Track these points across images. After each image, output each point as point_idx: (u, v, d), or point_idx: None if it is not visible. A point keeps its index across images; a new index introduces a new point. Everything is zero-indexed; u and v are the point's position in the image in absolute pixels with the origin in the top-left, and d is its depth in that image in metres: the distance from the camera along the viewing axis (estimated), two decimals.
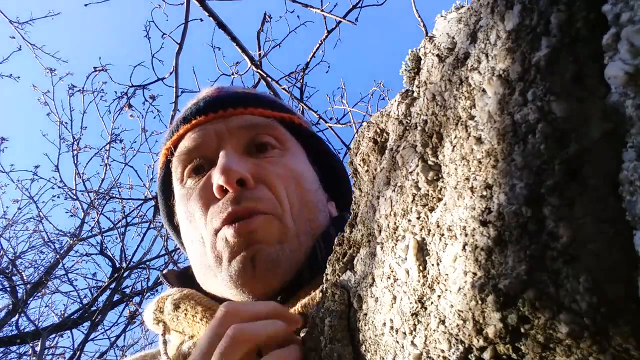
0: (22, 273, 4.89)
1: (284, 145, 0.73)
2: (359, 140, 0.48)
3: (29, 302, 4.61)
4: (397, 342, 0.35)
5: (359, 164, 0.47)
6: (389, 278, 0.38)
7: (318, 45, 2.82)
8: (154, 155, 4.69)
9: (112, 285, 4.39)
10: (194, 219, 0.68)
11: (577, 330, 0.25)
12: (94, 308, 4.39)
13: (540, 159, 0.28)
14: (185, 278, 0.75)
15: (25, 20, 4.33)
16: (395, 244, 0.38)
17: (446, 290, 0.32)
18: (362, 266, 0.43)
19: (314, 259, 0.63)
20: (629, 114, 0.25)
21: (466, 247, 0.30)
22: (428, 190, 0.36)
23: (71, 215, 5.26)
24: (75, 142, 5.04)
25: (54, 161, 4.91)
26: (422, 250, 0.35)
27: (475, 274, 0.29)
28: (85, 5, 2.87)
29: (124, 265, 4.49)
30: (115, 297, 4.52)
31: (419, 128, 0.38)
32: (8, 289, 4.54)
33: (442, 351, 0.31)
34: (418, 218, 0.36)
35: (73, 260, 5.02)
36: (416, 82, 0.41)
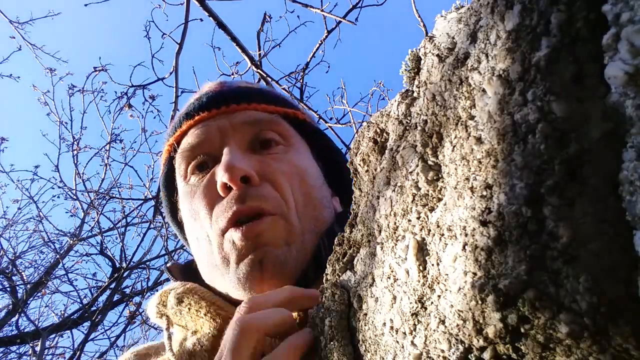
0: (22, 273, 4.89)
1: (288, 141, 0.72)
2: (359, 140, 0.48)
3: (29, 302, 4.61)
4: (397, 342, 0.35)
5: (359, 164, 0.47)
6: (389, 278, 0.38)
7: (318, 45, 2.82)
8: (154, 155, 4.70)
9: (112, 285, 4.40)
10: (198, 217, 0.68)
11: (577, 330, 0.25)
12: (94, 308, 4.39)
13: (540, 159, 0.28)
14: (188, 272, 0.75)
15: (25, 20, 4.33)
16: (395, 244, 0.38)
17: (446, 290, 0.32)
18: (362, 266, 0.43)
19: (319, 257, 0.63)
20: (629, 114, 0.25)
21: (466, 247, 0.30)
22: (428, 190, 0.36)
23: (71, 215, 5.27)
24: (75, 142, 5.04)
25: (54, 161, 4.92)
26: (422, 250, 0.35)
27: (475, 274, 0.29)
28: (85, 5, 2.87)
29: (124, 265, 4.49)
30: (115, 297, 4.52)
31: (419, 128, 0.38)
32: (8, 289, 4.54)
33: (442, 351, 0.31)
34: (418, 218, 0.36)
35: (73, 260, 5.03)
36: (416, 82, 0.41)
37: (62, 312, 4.87)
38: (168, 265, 0.79)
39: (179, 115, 0.78)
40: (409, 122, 0.41)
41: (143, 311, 4.36)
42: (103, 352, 4.45)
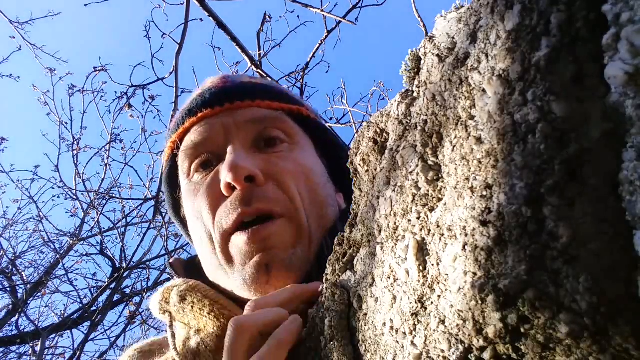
0: (22, 273, 4.89)
1: (292, 139, 0.72)
2: (359, 140, 0.48)
3: (29, 302, 4.61)
4: (397, 342, 0.35)
5: (359, 164, 0.47)
6: (389, 278, 0.38)
7: (318, 45, 2.82)
8: (154, 155, 4.70)
9: (112, 285, 4.40)
10: (201, 216, 0.67)
11: (577, 330, 0.25)
12: (94, 308, 4.39)
13: (540, 159, 0.28)
14: (191, 267, 0.74)
15: (25, 20, 4.33)
16: (395, 244, 0.38)
17: (446, 290, 0.32)
18: (362, 266, 0.43)
19: (322, 257, 0.63)
20: (629, 114, 0.25)
21: (466, 247, 0.30)
22: (428, 190, 0.36)
23: (71, 215, 5.26)
24: (75, 142, 5.05)
25: (54, 161, 4.92)
26: (422, 250, 0.35)
27: (475, 274, 0.29)
28: (85, 5, 2.87)
29: (124, 265, 4.49)
30: (115, 297, 4.52)
31: (419, 128, 0.38)
32: (8, 289, 4.54)
33: (442, 351, 0.31)
34: (418, 218, 0.36)
35: (73, 260, 5.03)
36: (416, 82, 0.41)
37: (62, 312, 4.88)
38: (171, 260, 0.78)
39: (182, 111, 0.77)
40: (409, 122, 0.41)
41: (143, 311, 4.37)
42: (103, 352, 4.45)
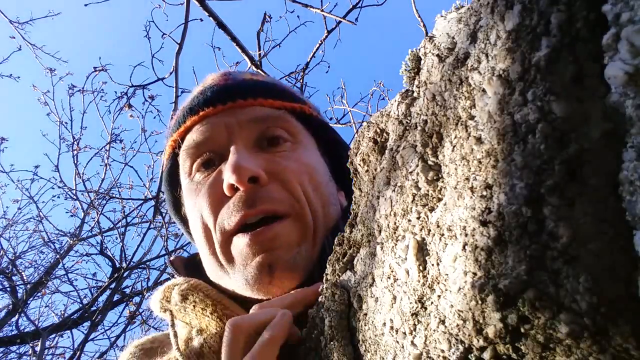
0: (22, 273, 4.89)
1: (295, 138, 0.71)
2: (359, 140, 0.48)
3: (29, 302, 4.61)
4: (397, 342, 0.35)
5: (359, 164, 0.47)
6: (389, 278, 0.38)
7: (318, 45, 2.83)
8: (154, 155, 4.70)
9: (112, 285, 4.40)
10: (202, 215, 0.67)
11: (577, 330, 0.25)
12: (94, 308, 4.39)
13: (540, 159, 0.28)
14: (192, 265, 0.74)
15: (25, 20, 4.34)
16: (395, 244, 0.38)
17: (446, 290, 0.32)
18: (362, 266, 0.43)
19: (324, 256, 0.63)
20: (629, 114, 0.25)
21: (466, 247, 0.30)
22: (428, 190, 0.36)
23: (71, 215, 5.26)
24: (75, 142, 5.04)
25: (54, 161, 4.92)
26: (422, 250, 0.35)
27: (475, 274, 0.29)
28: (85, 5, 2.87)
29: (124, 265, 4.49)
30: (115, 297, 4.52)
31: (419, 128, 0.38)
32: (8, 289, 4.54)
33: (442, 351, 0.31)
34: (418, 218, 0.36)
35: (73, 260, 5.03)
36: (416, 82, 0.41)
37: (62, 312, 4.88)
38: (171, 258, 0.78)
39: (183, 109, 0.76)
40: (409, 122, 0.41)
41: (143, 311, 4.37)
42: (103, 352, 4.45)
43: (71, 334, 4.40)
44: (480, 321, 0.29)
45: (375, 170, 0.44)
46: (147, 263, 4.60)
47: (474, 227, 0.30)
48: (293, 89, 0.85)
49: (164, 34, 2.93)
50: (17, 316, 4.36)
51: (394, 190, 0.40)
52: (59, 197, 5.16)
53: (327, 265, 0.49)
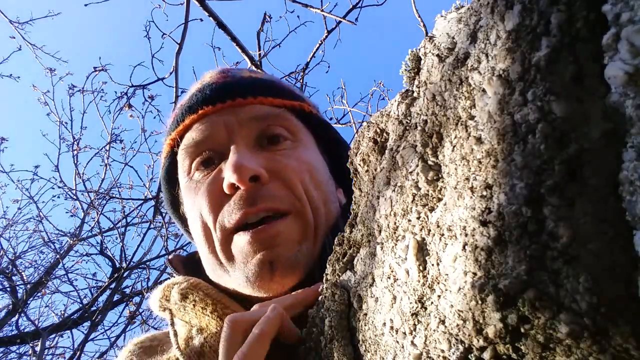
0: (22, 273, 4.89)
1: (295, 136, 0.71)
2: (359, 140, 0.48)
3: (29, 302, 4.61)
4: (397, 342, 0.35)
5: (359, 164, 0.47)
6: (389, 278, 0.38)
7: (318, 45, 2.83)
8: (154, 155, 4.70)
9: (112, 285, 4.39)
10: (202, 214, 0.67)
11: (577, 330, 0.25)
12: (94, 308, 4.39)
13: (540, 159, 0.28)
14: (191, 264, 0.74)
15: (25, 20, 4.34)
16: (395, 244, 0.38)
17: (446, 290, 0.32)
18: (362, 266, 0.43)
19: (325, 254, 0.63)
20: (629, 114, 0.25)
21: (466, 247, 0.30)
22: (428, 190, 0.36)
23: (71, 215, 5.26)
24: (75, 142, 5.04)
25: (54, 161, 4.92)
26: (422, 250, 0.35)
27: (475, 274, 0.29)
28: (85, 5, 2.87)
29: (124, 265, 4.49)
30: (115, 297, 4.52)
31: (419, 128, 0.38)
32: (8, 289, 4.54)
33: (442, 351, 0.31)
34: (418, 218, 0.36)
35: (73, 260, 5.03)
36: (416, 82, 0.41)
37: (62, 312, 4.88)
38: (170, 257, 0.77)
39: (181, 107, 0.75)
40: (409, 122, 0.41)
41: (143, 311, 4.37)
42: (103, 352, 4.45)
43: (71, 334, 4.41)
44: (480, 321, 0.29)
45: (375, 170, 0.44)
46: (147, 263, 4.60)
47: (474, 227, 0.30)
48: (292, 87, 0.85)
49: (164, 34, 2.94)
50: (17, 316, 4.36)
51: (394, 190, 0.40)
52: (59, 197, 5.17)
53: (327, 265, 0.49)
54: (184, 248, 4.39)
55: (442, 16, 0.40)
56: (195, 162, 0.70)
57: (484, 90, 0.32)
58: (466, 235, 0.31)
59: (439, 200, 0.35)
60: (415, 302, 0.34)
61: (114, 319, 4.70)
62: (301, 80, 3.08)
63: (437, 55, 0.38)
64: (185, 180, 0.71)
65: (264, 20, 2.90)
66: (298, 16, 3.32)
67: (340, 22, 2.64)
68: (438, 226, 0.34)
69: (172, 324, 0.64)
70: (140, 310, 4.39)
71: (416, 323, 0.34)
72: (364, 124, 0.48)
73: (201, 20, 2.53)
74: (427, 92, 0.38)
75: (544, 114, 0.28)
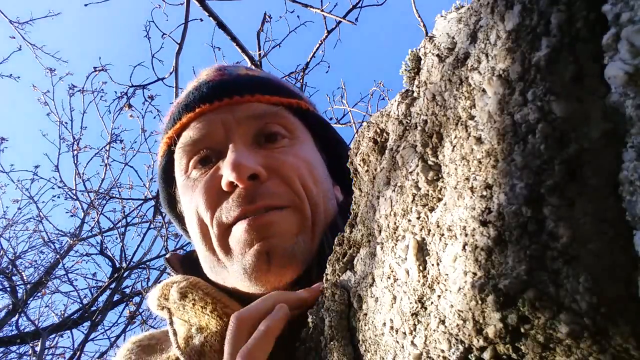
0: (22, 273, 4.89)
1: (293, 134, 0.71)
2: (359, 140, 0.48)
3: (29, 302, 4.61)
4: (397, 342, 0.35)
5: (359, 164, 0.47)
6: (389, 278, 0.38)
7: (318, 45, 2.83)
8: (154, 155, 4.69)
9: (112, 285, 4.40)
10: (199, 211, 0.67)
11: (577, 330, 0.25)
12: (94, 308, 4.39)
13: (540, 159, 0.28)
14: (189, 263, 0.74)
15: (25, 20, 4.34)
16: (395, 244, 0.38)
17: (446, 290, 0.32)
18: (362, 266, 0.43)
19: (323, 251, 0.63)
20: (629, 114, 0.25)
21: (466, 247, 0.30)
22: (428, 190, 0.36)
23: (71, 215, 5.26)
24: (75, 142, 5.04)
25: (54, 161, 4.92)
26: (422, 250, 0.35)
27: (475, 274, 0.29)
28: (85, 5, 2.87)
29: (124, 265, 4.49)
30: (115, 297, 4.52)
31: (419, 128, 0.38)
32: (8, 289, 4.54)
33: (442, 351, 0.31)
34: (418, 218, 0.36)
35: (73, 260, 5.03)
36: (416, 82, 0.41)
37: (62, 312, 4.88)
38: (167, 256, 0.77)
39: (177, 105, 0.75)
40: (409, 122, 0.41)
41: (143, 311, 4.37)
42: (103, 352, 4.45)
43: (71, 334, 4.41)
44: (480, 321, 0.29)
45: (375, 170, 0.44)
46: (147, 263, 4.60)
47: (474, 227, 0.30)
48: (289, 84, 0.85)
49: (164, 34, 2.94)
50: (17, 316, 4.36)
51: (394, 190, 0.40)
52: (59, 197, 5.17)
53: (327, 265, 0.49)
54: (184, 248, 4.39)
55: (442, 16, 0.40)
56: (192, 161, 0.70)
57: (484, 90, 0.32)
58: (466, 235, 0.31)
59: (439, 200, 0.35)
60: (415, 302, 0.34)
61: (114, 319, 4.71)
62: (301, 80, 3.08)
63: (437, 55, 0.38)
64: (183, 178, 0.71)
65: (264, 20, 2.90)
66: (298, 16, 3.32)
67: (340, 22, 2.64)
68: (438, 226, 0.34)
69: (171, 322, 0.64)
70: (140, 310, 4.40)
71: (416, 323, 0.34)
72: (364, 124, 0.48)
73: (201, 20, 2.54)
74: (427, 92, 0.38)
75: (544, 114, 0.28)
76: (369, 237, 0.43)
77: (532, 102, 0.29)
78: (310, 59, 2.97)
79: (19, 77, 5.10)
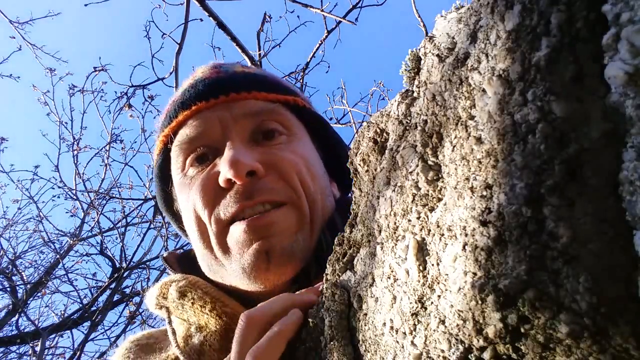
0: (22, 273, 4.89)
1: (290, 130, 0.71)
2: (359, 140, 0.48)
3: (29, 302, 4.61)
4: (397, 342, 0.35)
5: (359, 164, 0.47)
6: (389, 278, 0.38)
7: (318, 45, 2.83)
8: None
9: (112, 285, 4.40)
10: (196, 208, 0.66)
11: (577, 330, 0.25)
12: (94, 308, 4.39)
13: (540, 159, 0.28)
14: (186, 262, 0.74)
15: (25, 20, 4.34)
16: (395, 244, 0.38)
17: (446, 290, 0.32)
18: (362, 266, 0.43)
19: (321, 247, 0.62)
20: (629, 114, 0.25)
21: (466, 247, 0.30)
22: (428, 190, 0.36)
23: (71, 215, 5.26)
24: (75, 142, 5.04)
25: (54, 161, 4.92)
26: (422, 250, 0.35)
27: (475, 274, 0.29)
28: (85, 5, 2.87)
29: (124, 265, 4.49)
30: (115, 297, 4.52)
31: (419, 128, 0.38)
32: (8, 289, 4.54)
33: (442, 351, 0.31)
34: (418, 218, 0.36)
35: (73, 260, 5.03)
36: (416, 82, 0.41)
37: (62, 312, 4.88)
38: (165, 255, 0.77)
39: (173, 103, 0.74)
40: (409, 122, 0.41)
41: (143, 311, 4.37)
42: (103, 352, 4.45)
43: (71, 334, 4.41)
44: (480, 321, 0.29)
45: (375, 170, 0.44)
46: (147, 263, 4.60)
47: (474, 227, 0.30)
48: (285, 81, 0.84)
49: (164, 34, 2.94)
50: (17, 316, 4.36)
51: (394, 190, 0.40)
52: (59, 197, 5.17)
53: (327, 265, 0.49)
54: (184, 248, 4.39)
55: (442, 16, 0.40)
56: (189, 159, 0.70)
57: (484, 90, 0.32)
58: (466, 235, 0.31)
59: (439, 200, 0.35)
60: (415, 302, 0.34)
61: (114, 319, 4.71)
62: (301, 80, 3.09)
63: (437, 55, 0.38)
64: (179, 176, 0.71)
65: (264, 20, 2.90)
66: (298, 16, 3.32)
67: (340, 22, 2.64)
68: (438, 226, 0.34)
69: (170, 322, 0.64)
70: (140, 310, 4.39)
71: (416, 323, 0.34)
72: (364, 124, 0.48)
73: (201, 20, 2.54)
74: (427, 92, 0.38)
75: (544, 114, 0.28)
76: (369, 237, 0.43)
77: (532, 102, 0.29)
78: (310, 59, 2.97)
79: (19, 77, 5.10)
